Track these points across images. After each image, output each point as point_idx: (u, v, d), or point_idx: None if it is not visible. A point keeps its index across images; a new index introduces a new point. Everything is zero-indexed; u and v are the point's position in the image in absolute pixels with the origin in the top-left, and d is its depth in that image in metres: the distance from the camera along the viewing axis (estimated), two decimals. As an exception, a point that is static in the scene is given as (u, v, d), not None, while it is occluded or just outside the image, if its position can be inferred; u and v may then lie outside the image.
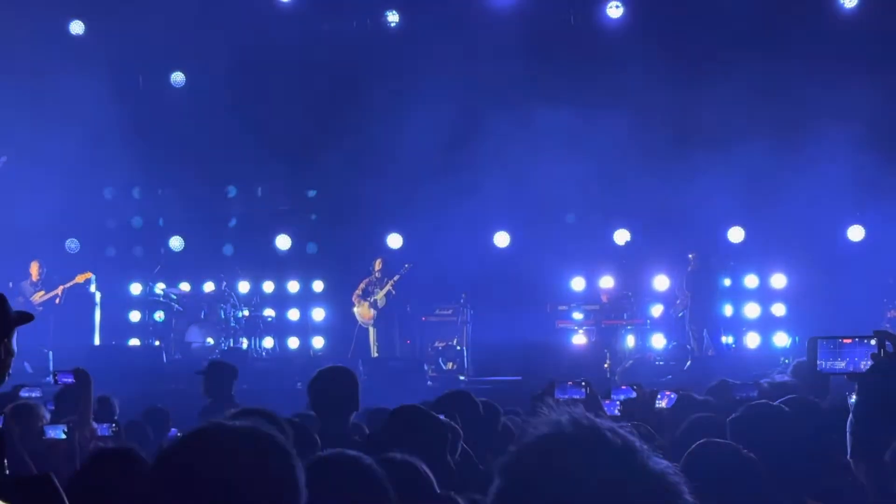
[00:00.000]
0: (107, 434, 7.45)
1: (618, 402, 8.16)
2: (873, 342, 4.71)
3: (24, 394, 8.34)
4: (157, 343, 18.41)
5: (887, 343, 4.46)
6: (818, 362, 5.01)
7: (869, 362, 4.16)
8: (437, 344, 17.23)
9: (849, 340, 4.97)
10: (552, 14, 18.70)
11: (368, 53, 18.78)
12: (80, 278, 17.76)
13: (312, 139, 19.10)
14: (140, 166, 19.07)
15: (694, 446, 3.96)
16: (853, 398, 2.91)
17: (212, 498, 2.09)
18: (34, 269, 17.71)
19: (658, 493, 1.59)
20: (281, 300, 19.61)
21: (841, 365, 4.89)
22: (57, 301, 17.63)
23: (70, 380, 7.68)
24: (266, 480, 2.11)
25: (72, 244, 19.33)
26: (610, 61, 17.82)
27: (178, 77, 19.46)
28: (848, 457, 2.96)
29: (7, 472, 4.17)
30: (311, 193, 20.26)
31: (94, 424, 7.53)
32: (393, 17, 18.86)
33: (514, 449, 1.66)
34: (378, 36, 19.06)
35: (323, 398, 6.29)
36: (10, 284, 16.91)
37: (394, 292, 17.61)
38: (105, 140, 18.19)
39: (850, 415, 2.89)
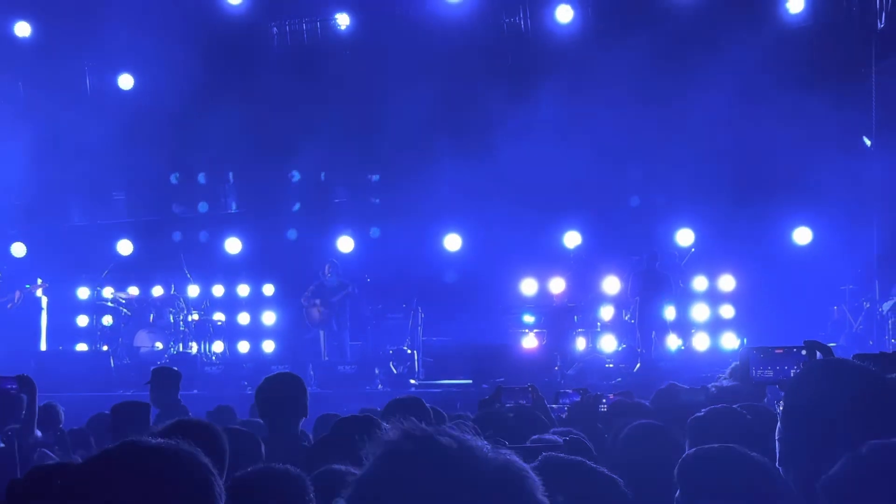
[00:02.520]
0: (50, 442, 7.44)
1: (564, 407, 8.26)
2: (804, 352, 4.84)
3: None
4: (104, 348, 18.26)
5: (817, 353, 4.58)
6: (752, 370, 5.13)
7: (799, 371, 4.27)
8: (388, 348, 17.26)
9: (780, 350, 5.09)
10: (504, 18, 18.81)
11: (318, 57, 18.81)
12: (38, 292, 17.80)
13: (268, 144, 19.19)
14: (94, 170, 19.05)
15: (688, 453, 3.94)
16: (780, 406, 2.98)
17: None
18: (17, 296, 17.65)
19: (503, 482, 1.57)
20: (231, 304, 19.54)
21: (771, 374, 5.00)
22: (10, 306, 17.56)
23: (13, 386, 7.66)
24: (182, 499, 2.14)
25: (17, 249, 19.22)
26: (559, 64, 17.95)
27: (126, 80, 19.40)
28: (777, 464, 3.02)
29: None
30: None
31: (38, 433, 7.52)
32: (343, 20, 18.86)
33: (355, 479, 1.63)
34: (328, 39, 19.09)
35: (270, 405, 6.28)
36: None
37: (350, 291, 17.69)
38: (57, 142, 18.16)
39: (779, 422, 2.96)
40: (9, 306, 17.51)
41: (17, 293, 17.57)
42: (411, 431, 1.62)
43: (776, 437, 2.93)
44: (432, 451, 1.58)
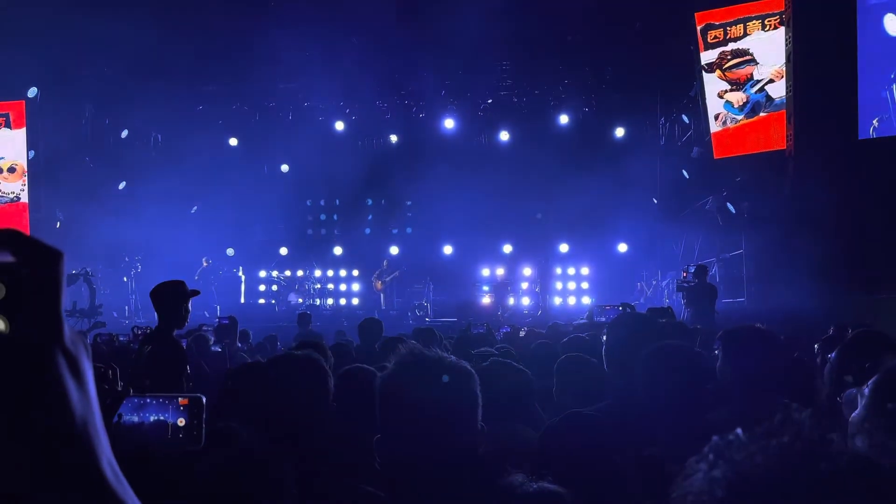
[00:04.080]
0: (244, 350, 7.50)
1: (502, 334, 8.29)
2: (620, 307, 4.90)
3: (204, 328, 8.32)
4: (273, 301, 18.30)
5: (627, 309, 4.63)
6: (594, 316, 5.18)
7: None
8: (414, 302, 17.27)
9: (609, 307, 5.16)
10: (474, 137, 18.85)
11: (381, 158, 18.75)
12: (205, 263, 17.57)
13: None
14: (267, 217, 18.86)
15: (560, 358, 3.90)
16: (604, 336, 2.99)
17: (281, 392, 2.12)
18: (205, 262, 17.59)
19: (460, 374, 1.56)
20: (337, 279, 19.47)
21: (604, 318, 5.06)
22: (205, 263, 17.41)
23: (226, 321, 7.68)
24: (311, 384, 2.15)
25: (230, 251, 19.20)
26: (500, 159, 18.00)
27: (285, 168, 19.36)
28: (604, 365, 3.03)
29: (189, 371, 4.20)
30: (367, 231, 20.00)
31: (239, 344, 7.56)
32: (394, 138, 18.82)
33: (381, 376, 1.61)
34: (386, 147, 19.03)
35: (362, 332, 6.37)
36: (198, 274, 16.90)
37: (397, 274, 17.69)
38: (251, 203, 17.99)
39: (604, 344, 2.97)
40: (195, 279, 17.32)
41: (205, 260, 17.48)
42: (414, 349, 1.60)
43: (603, 351, 2.95)
44: (423, 358, 1.58)
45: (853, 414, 1.54)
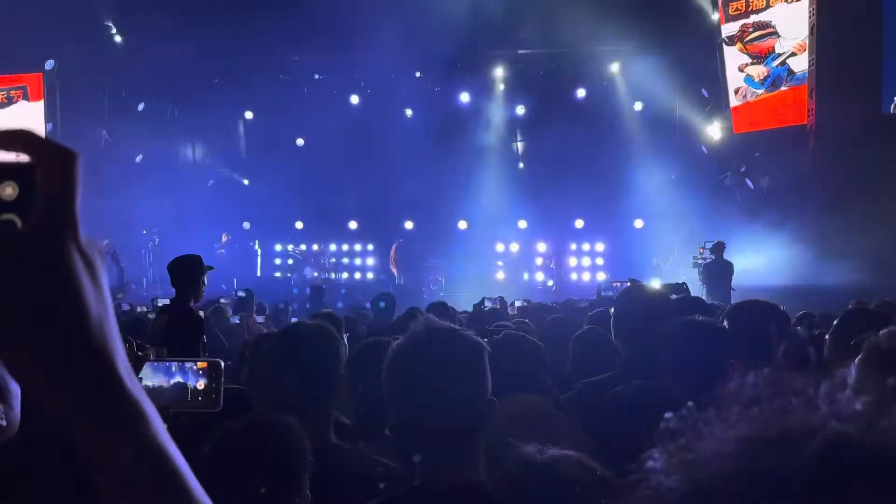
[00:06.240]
0: (261, 321, 7.59)
1: (517, 308, 8.32)
2: (628, 283, 4.89)
3: (222, 301, 8.42)
4: (289, 275, 18.40)
5: (635, 282, 4.63)
6: (601, 292, 5.18)
7: None
8: (429, 277, 17.30)
9: (617, 283, 5.17)
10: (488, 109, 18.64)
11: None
12: (224, 238, 17.73)
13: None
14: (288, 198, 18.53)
15: (578, 332, 3.92)
16: (612, 310, 3.01)
17: (299, 358, 2.13)
18: (224, 237, 17.70)
19: (473, 347, 1.58)
20: (352, 254, 19.46)
21: (611, 293, 5.07)
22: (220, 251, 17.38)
23: (243, 294, 7.77)
24: (324, 350, 2.18)
25: (246, 225, 19.23)
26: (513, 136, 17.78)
27: (300, 142, 19.18)
28: (612, 337, 3.05)
29: (206, 341, 4.27)
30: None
31: (255, 316, 7.65)
32: (408, 113, 18.57)
33: (393, 348, 1.63)
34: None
35: (378, 307, 6.43)
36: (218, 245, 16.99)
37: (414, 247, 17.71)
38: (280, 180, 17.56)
39: (612, 316, 2.99)
40: (219, 251, 17.37)
41: (224, 235, 17.55)
42: (430, 322, 1.63)
43: (611, 324, 2.97)
44: (437, 331, 1.61)
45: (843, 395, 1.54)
